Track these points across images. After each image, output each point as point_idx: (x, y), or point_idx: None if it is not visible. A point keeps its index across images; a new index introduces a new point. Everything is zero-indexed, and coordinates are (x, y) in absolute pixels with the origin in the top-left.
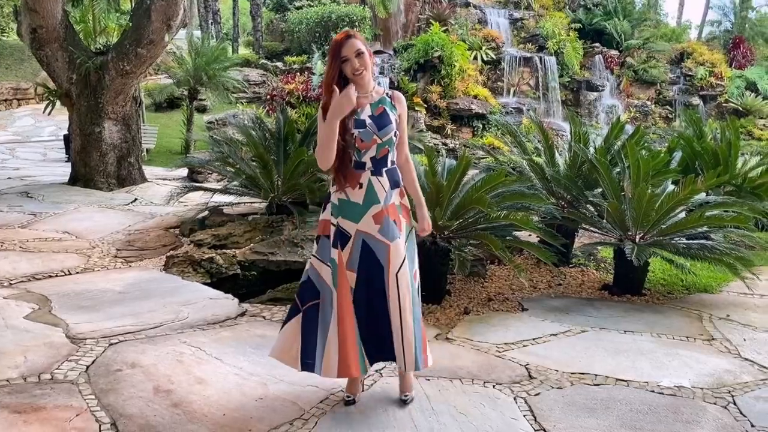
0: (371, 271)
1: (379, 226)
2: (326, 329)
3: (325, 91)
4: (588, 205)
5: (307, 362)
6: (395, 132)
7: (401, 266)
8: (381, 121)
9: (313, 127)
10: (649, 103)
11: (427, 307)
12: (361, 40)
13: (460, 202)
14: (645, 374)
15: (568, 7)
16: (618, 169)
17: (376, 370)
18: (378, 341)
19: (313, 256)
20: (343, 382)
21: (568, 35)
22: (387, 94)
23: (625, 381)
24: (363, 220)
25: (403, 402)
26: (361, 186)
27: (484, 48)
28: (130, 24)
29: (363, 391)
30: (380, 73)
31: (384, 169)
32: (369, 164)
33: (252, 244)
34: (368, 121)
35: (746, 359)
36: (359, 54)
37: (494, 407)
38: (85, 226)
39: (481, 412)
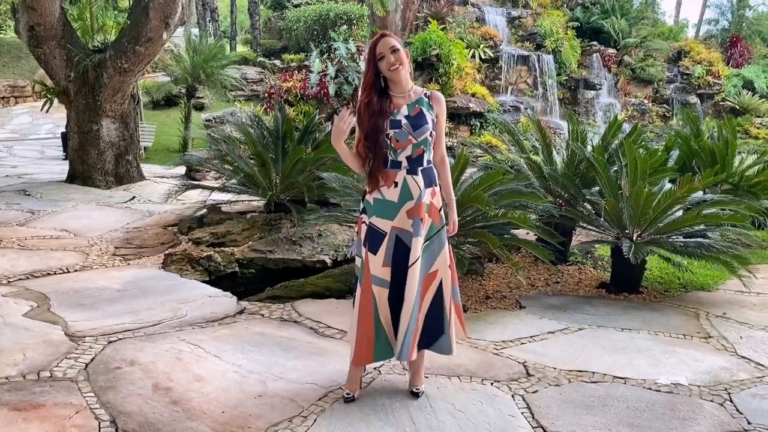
0: (403, 263)
1: (411, 221)
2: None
3: (362, 94)
4: (585, 204)
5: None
6: (431, 132)
7: (415, 262)
8: (417, 121)
9: (311, 125)
10: (646, 101)
11: None
12: (396, 39)
13: (458, 201)
14: (642, 372)
15: (565, 5)
16: (615, 168)
17: (375, 368)
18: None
19: (355, 255)
20: (342, 379)
21: (566, 33)
22: (425, 94)
23: (623, 378)
24: (398, 217)
25: (415, 395)
26: (396, 185)
27: (481, 46)
28: (128, 22)
29: (361, 388)
30: None
31: (420, 168)
32: (405, 163)
33: (250, 242)
34: (404, 121)
35: (743, 357)
36: (394, 50)
37: (492, 404)
38: (84, 223)
39: (479, 409)
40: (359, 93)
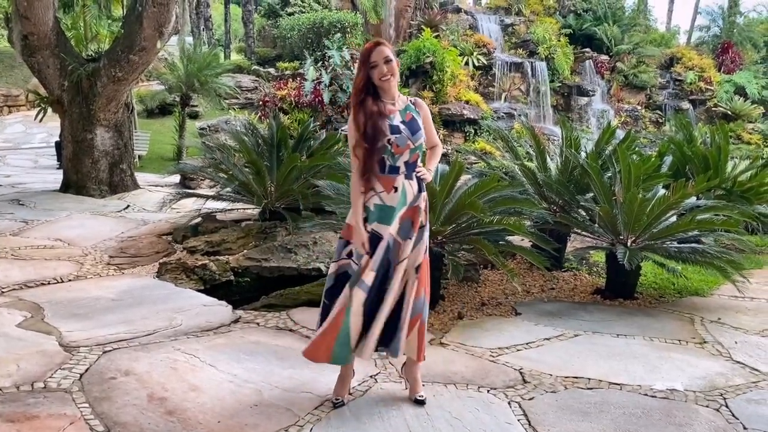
0: (386, 267)
1: (398, 227)
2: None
3: (354, 96)
4: (580, 210)
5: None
6: (423, 138)
7: (402, 261)
8: (412, 126)
9: (306, 133)
10: (639, 107)
11: None
12: (390, 48)
13: (453, 208)
14: (638, 378)
15: (558, 12)
16: (609, 174)
17: (371, 376)
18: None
19: (351, 259)
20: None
21: (559, 41)
22: (411, 101)
23: (619, 384)
24: (394, 223)
25: (419, 403)
26: (396, 190)
27: (475, 53)
28: (122, 31)
29: (353, 395)
30: None
31: (414, 173)
32: (403, 168)
33: (245, 251)
34: (402, 126)
35: (738, 362)
36: (387, 61)
37: (488, 412)
38: (78, 233)
39: (476, 416)
40: (351, 97)
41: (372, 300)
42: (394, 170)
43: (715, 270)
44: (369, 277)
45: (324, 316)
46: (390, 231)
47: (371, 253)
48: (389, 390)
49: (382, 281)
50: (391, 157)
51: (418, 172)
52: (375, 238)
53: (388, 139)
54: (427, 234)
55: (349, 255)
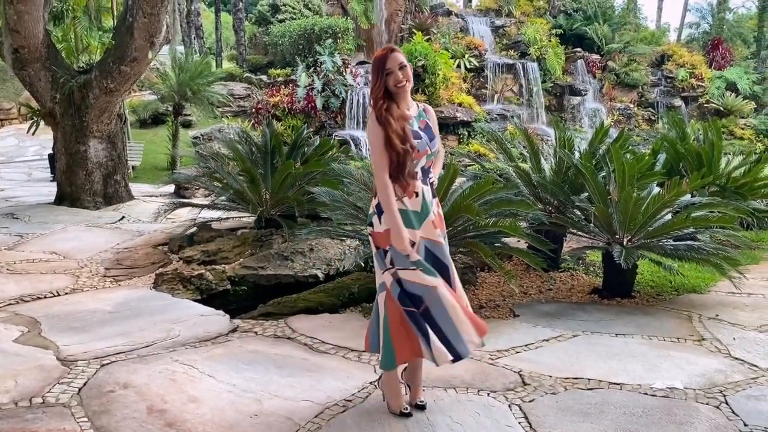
0: (440, 271)
1: (439, 230)
2: (450, 317)
3: (374, 104)
4: (575, 210)
5: (457, 353)
6: (437, 144)
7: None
8: (429, 133)
9: (299, 139)
10: (631, 105)
11: None
12: (402, 54)
13: (448, 211)
14: (637, 377)
15: (548, 13)
16: (603, 174)
17: (370, 382)
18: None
19: (396, 269)
20: (337, 395)
21: (550, 41)
22: (422, 108)
23: (618, 384)
24: (423, 226)
25: (421, 407)
26: (417, 194)
27: (467, 56)
28: (113, 42)
29: (353, 402)
30: (364, 84)
31: (428, 179)
32: (420, 174)
33: (241, 259)
34: (421, 132)
35: (736, 358)
36: (402, 67)
37: (489, 415)
38: (73, 245)
39: (477, 420)
40: (371, 103)
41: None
42: (414, 175)
43: (711, 267)
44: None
45: (419, 323)
46: (420, 234)
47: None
48: None
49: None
50: (410, 162)
51: (430, 178)
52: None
53: (411, 144)
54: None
55: (392, 263)
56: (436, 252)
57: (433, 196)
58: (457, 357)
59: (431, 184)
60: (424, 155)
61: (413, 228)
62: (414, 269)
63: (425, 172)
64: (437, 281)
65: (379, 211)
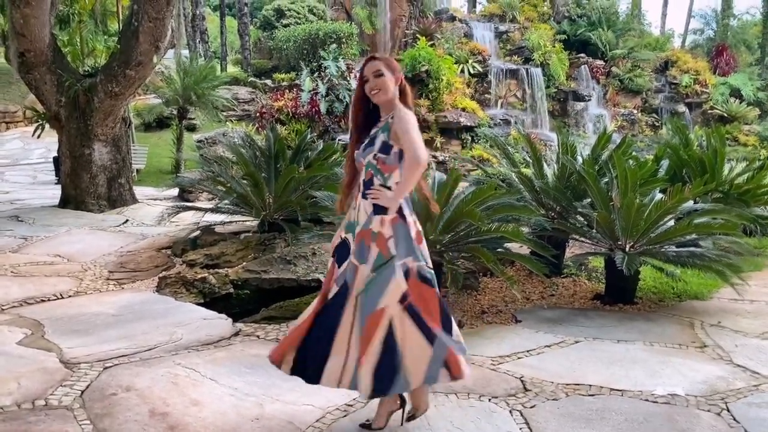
0: (342, 288)
1: (355, 247)
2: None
3: (352, 111)
4: (578, 216)
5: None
6: (375, 155)
7: (362, 291)
8: (369, 144)
9: (303, 144)
10: (635, 111)
11: None
12: (385, 63)
13: (451, 216)
14: (639, 383)
15: (552, 18)
16: (606, 180)
17: None
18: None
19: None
20: (339, 399)
21: (554, 46)
22: (392, 115)
23: (620, 391)
24: (354, 237)
25: (407, 419)
26: (355, 207)
27: (470, 61)
28: (118, 46)
29: (354, 407)
30: None
31: (366, 193)
32: (361, 186)
33: (244, 263)
34: (365, 143)
35: (738, 365)
36: (378, 75)
37: (490, 421)
38: (77, 248)
39: (477, 426)
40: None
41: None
42: (359, 187)
43: (713, 273)
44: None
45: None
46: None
47: (338, 259)
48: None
49: (340, 303)
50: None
51: (369, 193)
52: (346, 249)
53: (356, 156)
54: (394, 274)
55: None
56: (348, 268)
57: (376, 212)
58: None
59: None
60: (361, 167)
61: (352, 236)
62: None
63: (365, 184)
64: (319, 299)
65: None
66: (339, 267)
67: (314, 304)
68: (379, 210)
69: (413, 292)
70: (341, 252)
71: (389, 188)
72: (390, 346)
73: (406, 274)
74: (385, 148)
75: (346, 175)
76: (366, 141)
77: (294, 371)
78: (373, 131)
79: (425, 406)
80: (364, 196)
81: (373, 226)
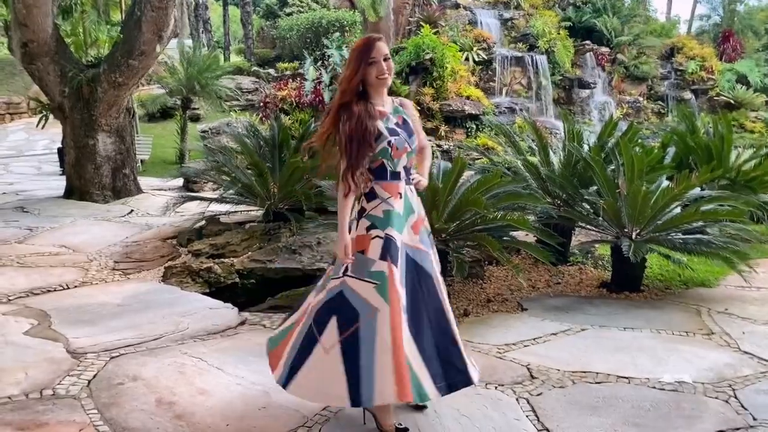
0: (423, 283)
1: (419, 236)
2: (373, 351)
3: (342, 94)
4: (584, 204)
5: (359, 397)
6: (417, 141)
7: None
8: (408, 129)
9: (307, 133)
10: (641, 98)
11: None
12: (385, 44)
13: (456, 205)
14: (646, 371)
15: (557, 5)
16: (612, 167)
17: None
18: (443, 359)
19: (348, 276)
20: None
21: (559, 33)
22: (397, 102)
23: (627, 378)
24: (404, 232)
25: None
26: (401, 196)
27: (475, 49)
28: (121, 36)
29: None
30: None
31: (411, 179)
32: (403, 174)
33: (250, 253)
34: (399, 129)
35: (746, 352)
36: (386, 58)
37: (497, 408)
38: (82, 239)
39: (484, 414)
40: (336, 95)
41: (415, 322)
42: (396, 176)
43: (720, 260)
44: (402, 295)
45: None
46: (403, 240)
47: (392, 259)
48: None
49: (421, 299)
50: (391, 162)
51: (413, 179)
52: (394, 246)
53: (389, 141)
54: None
55: (346, 270)
56: (417, 259)
57: (418, 195)
58: (356, 403)
59: (416, 183)
60: (404, 153)
61: (399, 232)
62: (368, 282)
63: (407, 171)
64: (386, 306)
65: (358, 216)
66: (396, 266)
67: (393, 322)
68: (419, 193)
69: None
70: (392, 250)
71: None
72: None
73: None
74: (416, 135)
75: (365, 170)
76: (395, 126)
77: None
78: (391, 117)
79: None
80: (408, 183)
81: (421, 209)
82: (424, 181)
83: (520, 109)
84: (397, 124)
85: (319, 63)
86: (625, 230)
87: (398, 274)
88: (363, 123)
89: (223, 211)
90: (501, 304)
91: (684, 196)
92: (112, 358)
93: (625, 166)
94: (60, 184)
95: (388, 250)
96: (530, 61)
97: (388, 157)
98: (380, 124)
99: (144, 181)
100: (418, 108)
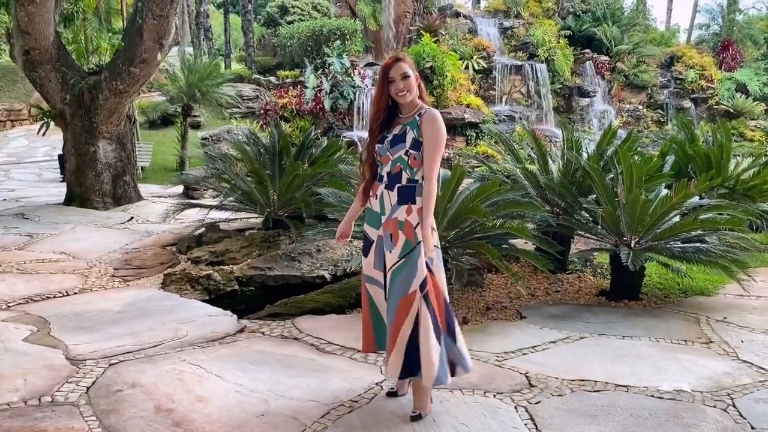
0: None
1: (383, 234)
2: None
3: (374, 111)
4: (583, 212)
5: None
6: (407, 151)
7: (393, 266)
8: (397, 139)
9: (307, 141)
10: (640, 107)
11: None
12: (409, 64)
13: (455, 213)
14: (644, 379)
15: (557, 14)
16: (611, 175)
17: (377, 383)
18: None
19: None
20: (344, 395)
21: (558, 42)
22: (420, 114)
23: (625, 386)
24: (381, 227)
25: (413, 418)
26: (376, 197)
27: (475, 57)
28: (123, 43)
29: (359, 402)
30: (372, 85)
31: (397, 185)
32: (385, 178)
33: (249, 260)
34: (389, 138)
35: (744, 361)
36: (405, 77)
37: (495, 417)
38: (82, 246)
39: (482, 422)
40: (370, 110)
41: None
42: (380, 179)
43: (719, 269)
44: (379, 276)
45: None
46: (378, 233)
47: (365, 253)
48: (396, 398)
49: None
50: (380, 167)
51: (402, 184)
52: (366, 241)
53: (374, 147)
54: (420, 258)
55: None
56: (382, 250)
57: (401, 203)
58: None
59: (401, 189)
60: (387, 161)
61: (374, 228)
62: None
63: (392, 177)
64: (362, 294)
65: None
66: (366, 257)
67: (362, 295)
68: (406, 199)
69: (429, 280)
70: (364, 244)
71: (416, 181)
72: (415, 330)
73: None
74: (416, 145)
75: (368, 169)
76: (391, 137)
77: None
78: (397, 128)
79: (429, 407)
80: (389, 188)
81: (398, 215)
82: (426, 231)
83: (520, 118)
84: (395, 134)
85: (320, 71)
86: (624, 238)
87: (368, 261)
88: (371, 128)
89: (223, 219)
90: (500, 312)
91: (683, 205)
92: (111, 365)
93: (624, 175)
94: (60, 190)
95: (364, 245)
96: (530, 70)
97: (378, 162)
98: (375, 132)
99: (144, 188)
100: None
